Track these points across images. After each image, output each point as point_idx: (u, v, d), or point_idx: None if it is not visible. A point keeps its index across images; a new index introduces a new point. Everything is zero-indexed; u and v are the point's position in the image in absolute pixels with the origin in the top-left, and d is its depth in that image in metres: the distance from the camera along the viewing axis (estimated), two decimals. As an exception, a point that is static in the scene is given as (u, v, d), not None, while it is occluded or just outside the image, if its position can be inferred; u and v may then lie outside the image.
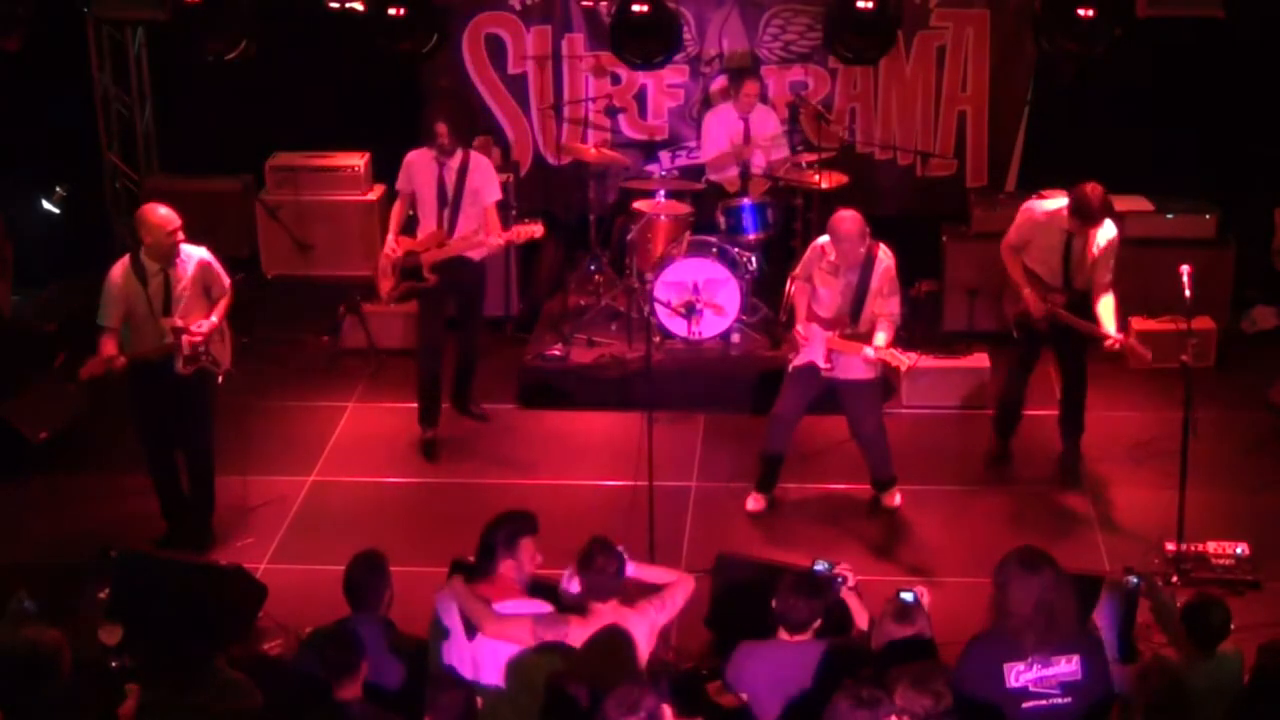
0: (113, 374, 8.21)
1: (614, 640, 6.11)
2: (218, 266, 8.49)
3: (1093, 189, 8.49)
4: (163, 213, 8.20)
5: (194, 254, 8.36)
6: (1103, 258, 8.62)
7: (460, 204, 9.27)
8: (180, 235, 8.22)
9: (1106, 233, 8.63)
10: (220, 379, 8.54)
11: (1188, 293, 8.23)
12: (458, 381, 9.87)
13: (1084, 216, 8.53)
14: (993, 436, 9.45)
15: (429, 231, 9.36)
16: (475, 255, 9.41)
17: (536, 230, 9.40)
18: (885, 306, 8.44)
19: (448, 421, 9.70)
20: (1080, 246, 8.65)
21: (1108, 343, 8.50)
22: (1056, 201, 8.74)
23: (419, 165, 9.36)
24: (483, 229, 9.29)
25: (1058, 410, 9.29)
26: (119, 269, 8.24)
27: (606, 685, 5.46)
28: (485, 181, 9.33)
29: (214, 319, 8.38)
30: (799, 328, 8.65)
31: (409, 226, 9.50)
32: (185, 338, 8.25)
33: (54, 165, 11.43)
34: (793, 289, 8.87)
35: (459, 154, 9.26)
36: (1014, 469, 9.37)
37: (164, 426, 8.55)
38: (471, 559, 7.38)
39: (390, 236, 9.41)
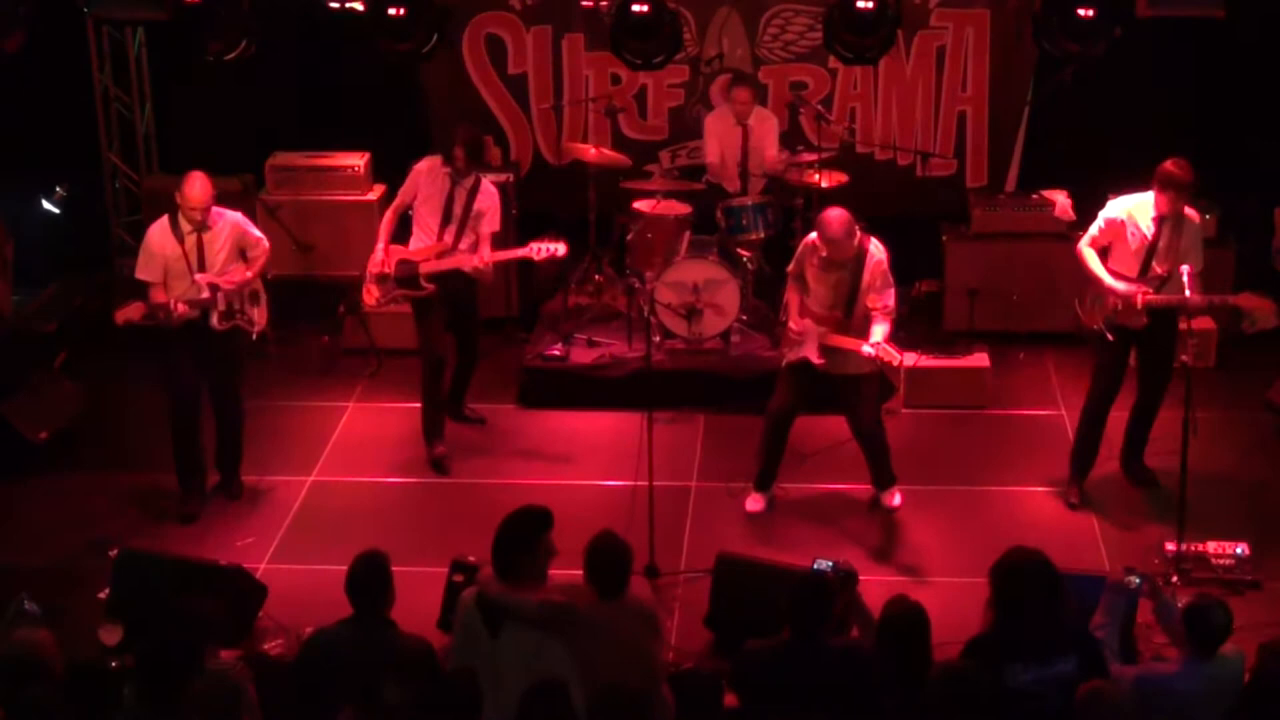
0: (157, 323, 8.56)
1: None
2: (252, 228, 8.91)
3: (1175, 162, 8.37)
4: (197, 188, 8.56)
5: (228, 217, 8.75)
6: (1195, 241, 8.41)
7: (466, 224, 9.19)
8: (201, 215, 8.56)
9: (1194, 215, 8.50)
10: (255, 337, 8.91)
11: (1188, 292, 8.22)
12: (454, 387, 9.78)
13: (1178, 187, 8.32)
14: (1072, 476, 9.00)
15: (427, 245, 9.26)
16: (468, 268, 9.28)
17: (559, 248, 9.42)
18: (879, 300, 8.43)
19: (448, 422, 9.69)
20: (1169, 231, 8.40)
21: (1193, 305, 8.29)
22: (1137, 195, 8.57)
23: (430, 177, 9.25)
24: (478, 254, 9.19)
25: (1128, 418, 8.96)
26: (157, 227, 8.69)
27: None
28: (490, 209, 9.24)
29: (248, 274, 8.75)
30: (792, 324, 8.65)
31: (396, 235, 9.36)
32: (219, 292, 8.61)
33: (54, 165, 11.42)
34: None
35: (473, 175, 9.23)
36: (1014, 469, 9.36)
37: (195, 390, 8.81)
38: (471, 558, 7.41)
39: (380, 246, 9.27)
